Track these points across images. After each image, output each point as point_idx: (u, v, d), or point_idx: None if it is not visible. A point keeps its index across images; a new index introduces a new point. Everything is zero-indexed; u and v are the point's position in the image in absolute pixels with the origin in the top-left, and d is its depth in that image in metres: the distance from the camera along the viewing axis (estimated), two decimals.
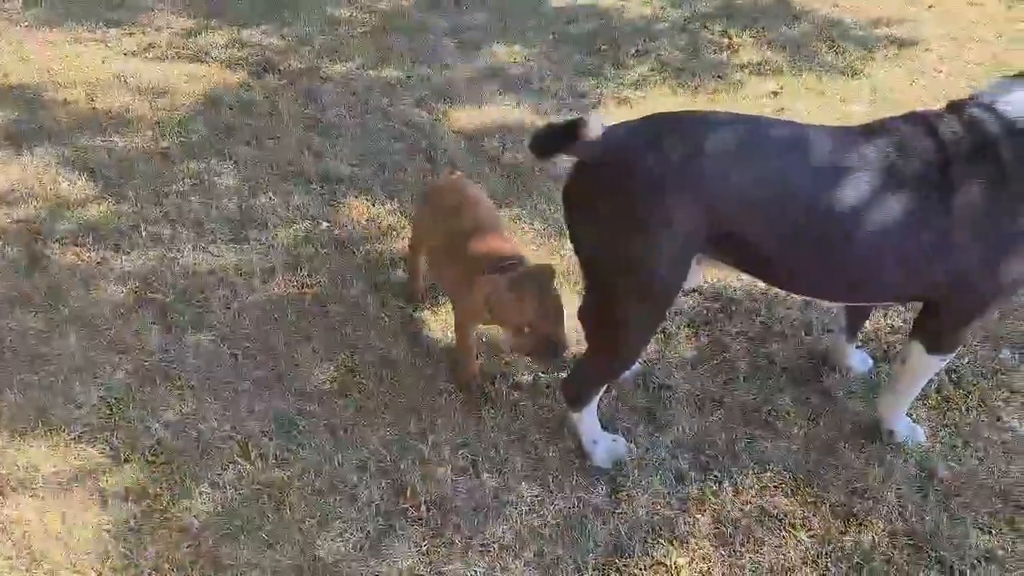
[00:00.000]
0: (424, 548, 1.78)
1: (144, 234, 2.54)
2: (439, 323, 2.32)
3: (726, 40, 3.82)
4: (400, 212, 2.71)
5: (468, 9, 4.16)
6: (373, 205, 2.75)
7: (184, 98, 3.16)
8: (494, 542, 1.79)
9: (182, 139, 2.94)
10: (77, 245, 2.50)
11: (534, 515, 1.85)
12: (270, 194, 2.75)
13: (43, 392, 2.06)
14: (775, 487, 1.90)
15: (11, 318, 2.26)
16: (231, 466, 1.91)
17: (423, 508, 1.85)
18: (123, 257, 2.47)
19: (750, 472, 1.93)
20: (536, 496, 1.89)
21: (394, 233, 2.64)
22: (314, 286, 2.43)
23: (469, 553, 1.77)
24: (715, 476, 1.92)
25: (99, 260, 2.45)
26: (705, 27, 3.97)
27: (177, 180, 2.76)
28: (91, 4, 3.74)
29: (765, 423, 2.05)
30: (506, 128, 3.14)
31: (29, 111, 3.02)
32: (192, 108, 3.11)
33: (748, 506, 1.87)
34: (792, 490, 1.89)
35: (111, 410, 2.02)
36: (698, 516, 1.84)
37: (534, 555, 1.77)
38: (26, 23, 3.56)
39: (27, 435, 1.95)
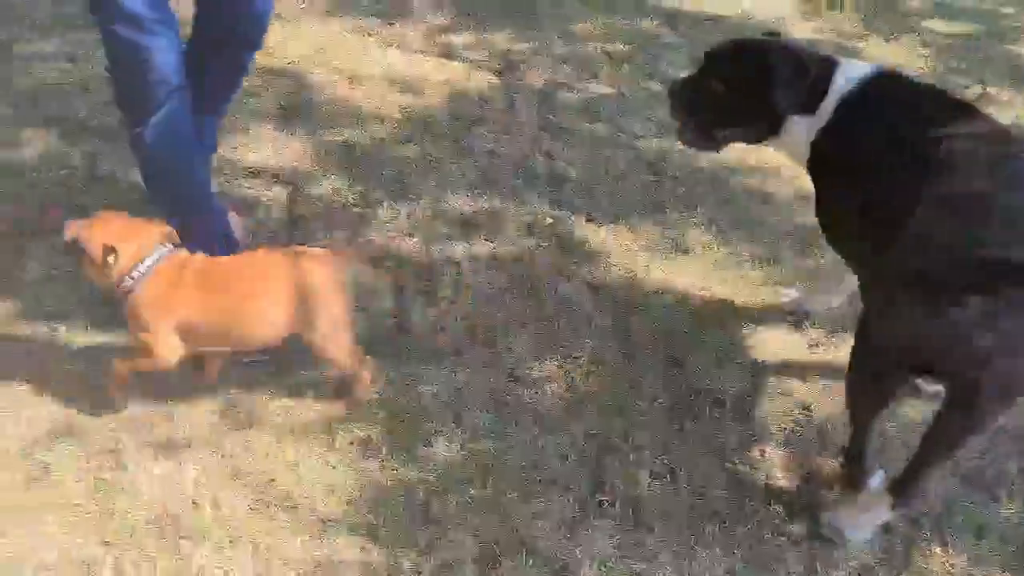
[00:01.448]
0: (616, 542, 1.83)
1: (383, 212, 2.74)
2: (648, 330, 2.37)
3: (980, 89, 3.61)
4: (618, 220, 2.79)
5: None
6: (594, 209, 2.84)
7: (431, 91, 3.39)
8: (685, 553, 1.82)
9: (425, 130, 3.16)
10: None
11: (725, 533, 1.86)
12: (501, 187, 2.90)
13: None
14: (991, 557, 1.80)
15: None
16: (445, 430, 2.05)
17: (618, 505, 1.91)
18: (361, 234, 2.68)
19: (965, 537, 1.84)
20: (727, 512, 1.90)
21: (612, 239, 2.71)
22: (533, 278, 2.54)
23: (659, 557, 1.81)
24: (925, 534, 1.85)
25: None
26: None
27: (416, 166, 2.96)
28: None
29: (987, 488, 1.94)
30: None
31: (297, 89, 3.34)
32: (437, 102, 3.33)
33: (956, 570, 1.79)
34: (1010, 565, 1.79)
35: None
36: (903, 572, 1.79)
37: (725, 573, 1.78)
38: (303, 4, 3.93)
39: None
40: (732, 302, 2.49)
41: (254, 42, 2.31)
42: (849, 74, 1.91)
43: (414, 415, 2.09)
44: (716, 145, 2.17)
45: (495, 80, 3.53)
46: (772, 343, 2.36)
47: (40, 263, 2.44)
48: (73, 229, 1.85)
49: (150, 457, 1.94)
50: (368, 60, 3.58)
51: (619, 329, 2.38)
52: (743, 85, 1.99)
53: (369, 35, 3.77)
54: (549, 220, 2.77)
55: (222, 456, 1.96)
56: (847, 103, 1.88)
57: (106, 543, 1.77)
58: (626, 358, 2.29)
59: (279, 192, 2.81)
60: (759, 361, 2.30)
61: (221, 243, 2.26)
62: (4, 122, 3.01)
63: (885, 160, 1.77)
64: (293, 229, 2.65)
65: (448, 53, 3.71)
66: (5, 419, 2.00)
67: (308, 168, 2.93)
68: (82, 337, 2.22)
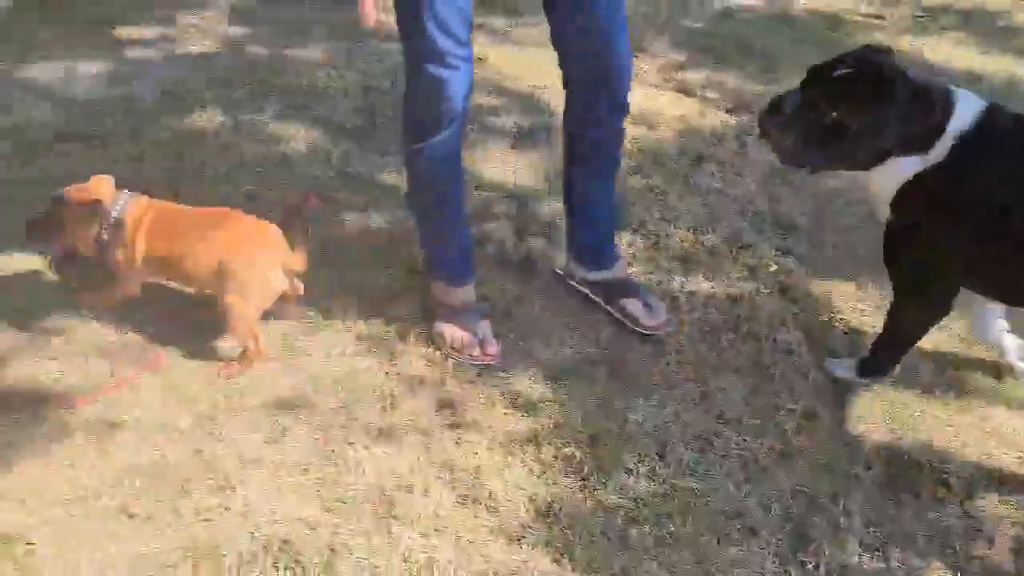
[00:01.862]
0: None
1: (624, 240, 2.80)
2: (868, 394, 2.26)
3: None
4: (846, 274, 2.68)
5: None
6: (820, 259, 2.75)
7: (664, 125, 3.42)
8: None
9: (655, 162, 3.19)
10: None
11: None
12: (725, 227, 2.87)
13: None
14: None
15: None
16: (647, 460, 2.06)
17: (823, 569, 1.83)
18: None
19: None
20: None
21: (837, 292, 2.61)
22: (749, 320, 2.50)
23: None
24: None
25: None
26: None
27: (641, 197, 3.00)
28: None
29: None
30: None
31: (534, 112, 3.49)
32: (669, 136, 3.36)
33: None
34: None
35: (554, 383, 2.28)
36: None
37: None
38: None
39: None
40: (967, 371, 2.33)
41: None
42: (966, 110, 1.83)
43: (618, 441, 2.11)
44: (809, 168, 2.07)
45: (728, 119, 3.51)
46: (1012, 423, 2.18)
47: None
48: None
49: (373, 438, 2.09)
50: None
51: (838, 387, 2.29)
52: (854, 114, 1.86)
53: None
54: (773, 266, 2.71)
55: (436, 449, 2.08)
56: (965, 141, 1.82)
57: (328, 510, 1.92)
58: (842, 418, 2.20)
59: (508, 206, 2.95)
60: (994, 445, 2.13)
61: (465, 257, 2.40)
62: (282, 119, 3.36)
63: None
64: (519, 242, 2.77)
65: (683, 89, 3.73)
66: (259, 383, 2.23)
67: (536, 187, 3.05)
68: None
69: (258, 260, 2.18)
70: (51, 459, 2.00)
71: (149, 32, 4.03)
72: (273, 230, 2.24)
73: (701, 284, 2.63)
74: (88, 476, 1.96)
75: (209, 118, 3.33)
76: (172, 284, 2.40)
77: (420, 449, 2.08)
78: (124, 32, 4.00)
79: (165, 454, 2.02)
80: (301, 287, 2.33)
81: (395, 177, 3.01)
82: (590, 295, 2.51)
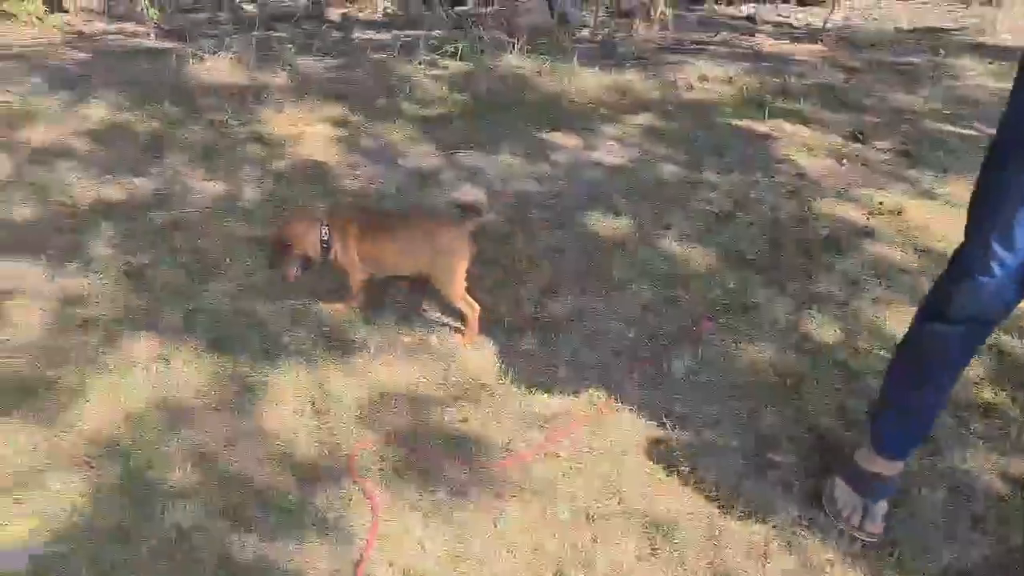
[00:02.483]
0: None
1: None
2: None
3: None
4: None
5: None
6: None
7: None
8: None
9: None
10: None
11: None
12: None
13: None
14: None
15: None
16: None
17: None
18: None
19: None
20: None
21: None
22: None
23: None
24: None
25: None
26: None
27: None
28: None
29: None
30: None
31: None
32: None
33: None
34: None
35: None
36: None
37: None
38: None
39: None
40: None
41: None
42: None
43: None
44: None
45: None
46: None
47: (683, 361, 2.74)
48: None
49: None
50: None
51: None
52: None
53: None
54: None
55: None
56: None
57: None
58: None
59: None
60: None
61: (914, 440, 2.21)
62: (684, 239, 3.48)
63: None
64: None
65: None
66: None
67: None
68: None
69: (455, 245, 2.78)
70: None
71: (573, 140, 4.44)
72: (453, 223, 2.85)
73: None
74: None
75: (619, 225, 3.55)
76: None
77: None
78: (552, 136, 4.46)
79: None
80: None
81: (793, 313, 2.96)
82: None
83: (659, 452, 2.39)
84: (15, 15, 6.07)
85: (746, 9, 8.52)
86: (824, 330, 2.91)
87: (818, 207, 3.72)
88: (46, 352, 2.66)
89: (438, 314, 2.95)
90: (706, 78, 5.38)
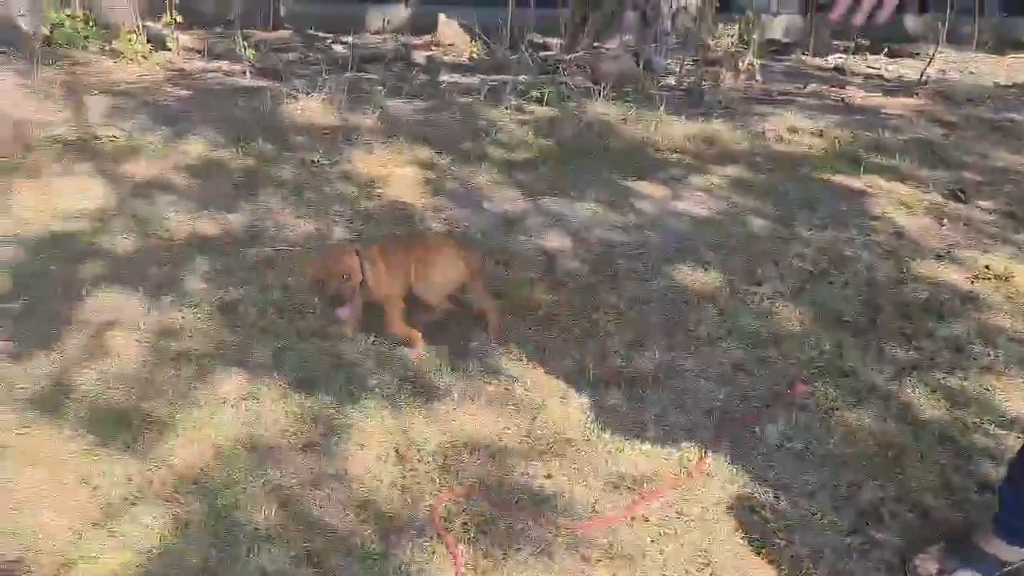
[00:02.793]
0: None
1: None
2: None
3: None
4: None
5: None
6: None
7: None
8: None
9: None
10: None
11: None
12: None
13: None
14: None
15: None
16: None
17: None
18: None
19: None
20: None
21: None
22: None
23: None
24: None
25: None
26: None
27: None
28: None
29: None
30: None
31: None
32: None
33: None
34: None
35: None
36: None
37: None
38: None
39: None
40: None
41: None
42: None
43: None
44: None
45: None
46: None
47: (777, 426, 2.64)
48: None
49: None
50: None
51: None
52: None
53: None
54: None
55: None
56: None
57: None
58: None
59: None
60: None
61: None
62: (778, 297, 3.38)
63: None
64: None
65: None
66: None
67: None
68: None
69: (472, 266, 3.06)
70: None
71: (659, 189, 4.39)
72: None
73: None
74: None
75: (708, 279, 3.47)
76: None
77: None
78: (637, 185, 4.41)
79: None
80: None
81: (893, 380, 2.84)
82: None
83: (752, 522, 2.29)
84: (123, 53, 6.35)
85: (833, 60, 8.38)
86: (927, 400, 2.77)
87: (917, 268, 3.57)
88: (141, 384, 2.71)
89: (524, 362, 2.91)
90: (796, 129, 5.27)
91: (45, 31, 6.69)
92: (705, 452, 2.51)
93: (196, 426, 2.55)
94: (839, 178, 4.54)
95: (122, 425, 2.53)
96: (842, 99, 6.33)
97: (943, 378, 2.87)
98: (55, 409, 2.58)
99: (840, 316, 3.23)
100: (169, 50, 6.84)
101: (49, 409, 2.58)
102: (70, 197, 3.91)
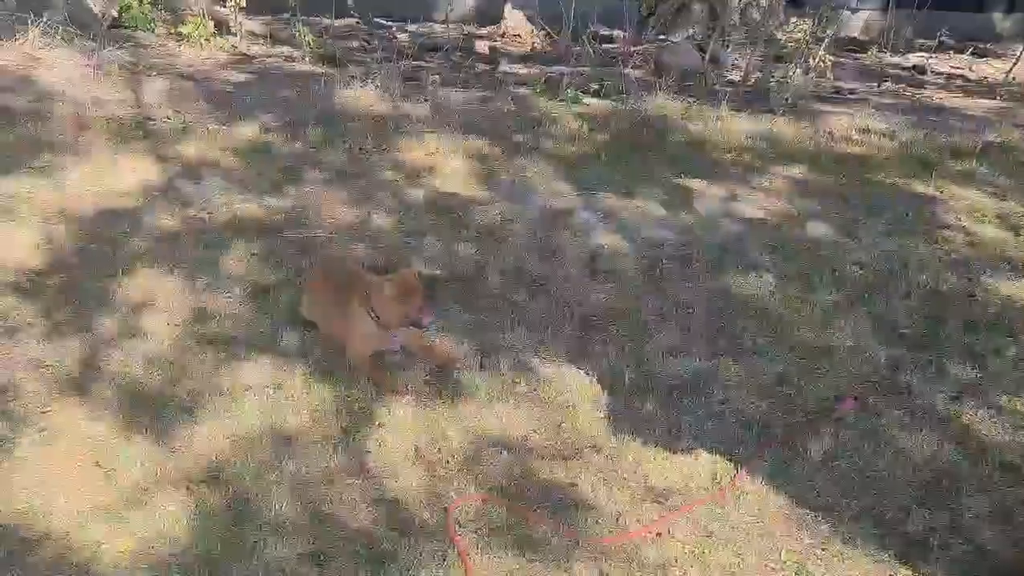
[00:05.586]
0: None
1: None
2: None
3: None
4: None
5: None
6: None
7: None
8: None
9: None
10: None
11: None
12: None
13: None
14: None
15: None
16: None
17: None
18: None
19: None
20: None
21: None
22: None
23: None
24: None
25: None
26: None
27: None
28: None
29: None
30: None
31: None
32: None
33: None
34: None
35: None
36: None
37: None
38: None
39: None
40: None
41: None
42: None
43: None
44: None
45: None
46: None
47: (821, 444, 2.47)
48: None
49: None
50: None
51: None
52: None
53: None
54: None
55: None
56: None
57: None
58: None
59: None
60: None
61: None
62: (832, 306, 3.20)
63: None
64: None
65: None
66: None
67: None
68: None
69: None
70: None
71: (715, 188, 4.21)
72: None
73: None
74: None
75: (759, 285, 3.30)
76: None
77: None
78: (692, 183, 4.24)
79: None
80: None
81: (953, 401, 2.65)
82: None
83: (788, 547, 2.13)
84: (188, 37, 6.42)
85: (913, 59, 7.98)
86: (989, 423, 2.57)
87: (988, 282, 3.34)
88: (167, 368, 2.68)
89: (558, 363, 2.80)
90: (866, 130, 5.01)
91: (114, 13, 6.79)
92: (740, 467, 2.36)
93: (217, 413, 2.50)
94: (908, 182, 4.30)
95: (144, 409, 2.50)
96: (918, 99, 6.01)
97: (1009, 400, 2.66)
98: (80, 389, 2.57)
99: (899, 329, 3.03)
100: (234, 35, 6.89)
101: (75, 389, 2.57)
102: (118, 176, 3.92)
